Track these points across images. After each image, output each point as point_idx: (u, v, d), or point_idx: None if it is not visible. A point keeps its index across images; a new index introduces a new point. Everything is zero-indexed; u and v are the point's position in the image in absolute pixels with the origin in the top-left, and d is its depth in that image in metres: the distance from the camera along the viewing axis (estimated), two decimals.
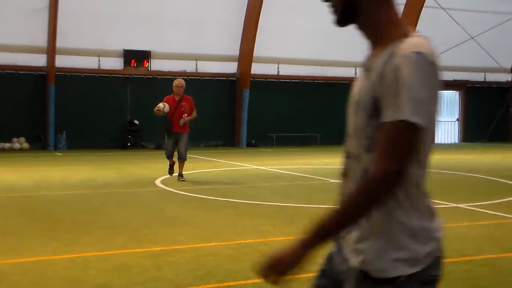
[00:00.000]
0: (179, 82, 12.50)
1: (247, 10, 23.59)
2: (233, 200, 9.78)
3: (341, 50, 25.43)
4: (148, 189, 11.27)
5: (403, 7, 25.44)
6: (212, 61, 24.19)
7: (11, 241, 6.66)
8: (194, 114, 12.38)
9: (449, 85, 27.84)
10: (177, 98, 12.30)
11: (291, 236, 6.94)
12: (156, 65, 23.40)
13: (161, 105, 11.98)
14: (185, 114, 12.06)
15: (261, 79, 24.69)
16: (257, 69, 24.22)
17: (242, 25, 23.83)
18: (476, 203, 9.33)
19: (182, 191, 10.70)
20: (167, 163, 12.52)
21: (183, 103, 12.21)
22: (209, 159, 18.20)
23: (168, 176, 12.52)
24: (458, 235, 7.05)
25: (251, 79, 24.19)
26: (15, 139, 21.34)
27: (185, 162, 12.31)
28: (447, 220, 8.04)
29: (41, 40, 21.36)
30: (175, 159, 12.24)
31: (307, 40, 24.79)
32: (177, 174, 12.24)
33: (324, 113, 25.63)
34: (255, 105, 24.20)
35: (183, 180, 12.00)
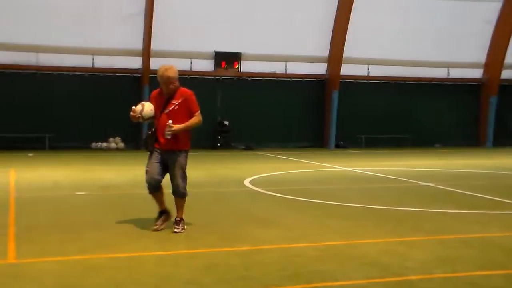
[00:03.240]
0: (164, 70, 7.33)
1: (337, 11, 23.45)
2: (321, 201, 9.75)
3: (431, 50, 24.84)
4: (236, 189, 11.42)
5: (500, 4, 24.52)
6: (301, 62, 24.21)
7: (106, 236, 6.95)
8: (194, 119, 7.29)
9: None
10: (166, 95, 7.34)
11: (380, 238, 6.86)
12: (247, 66, 23.69)
13: (137, 107, 7.36)
14: (170, 121, 7.10)
15: (350, 80, 24.47)
16: (346, 70, 24.03)
17: (332, 26, 23.71)
18: None
19: (270, 191, 10.78)
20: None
21: (173, 102, 7.26)
22: (297, 160, 18.22)
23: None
24: None
25: (341, 80, 24.02)
26: (111, 139, 22.20)
27: (186, 197, 7.43)
28: None
29: (137, 43, 22.13)
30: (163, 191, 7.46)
31: (397, 40, 24.37)
32: (174, 220, 7.34)
33: (415, 114, 25.09)
34: (344, 106, 24.02)
35: (177, 231, 7.15)
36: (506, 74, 25.54)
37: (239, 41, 23.19)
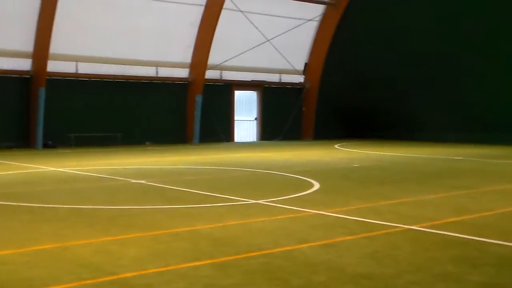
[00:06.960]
0: None
1: (41, 5, 22.39)
2: (29, 205, 9.25)
3: (142, 49, 25.27)
4: None
5: (203, 8, 25.93)
6: (3, 57, 22.65)
7: None
8: None
9: (247, 85, 28.97)
10: None
11: (92, 239, 6.73)
12: None
13: None
14: None
15: (58, 77, 23.64)
16: (53, 66, 23.14)
17: (37, 19, 22.57)
18: (273, 199, 9.78)
19: None
20: None
21: None
22: (1, 161, 17.03)
23: None
24: (257, 230, 7.33)
25: (47, 77, 23.04)
26: None
27: None
28: (247, 216, 8.33)
29: None
30: None
31: (109, 38, 24.24)
32: None
33: (126, 112, 25.27)
34: (51, 104, 23.10)
35: None
36: (209, 74, 27.09)
37: None
